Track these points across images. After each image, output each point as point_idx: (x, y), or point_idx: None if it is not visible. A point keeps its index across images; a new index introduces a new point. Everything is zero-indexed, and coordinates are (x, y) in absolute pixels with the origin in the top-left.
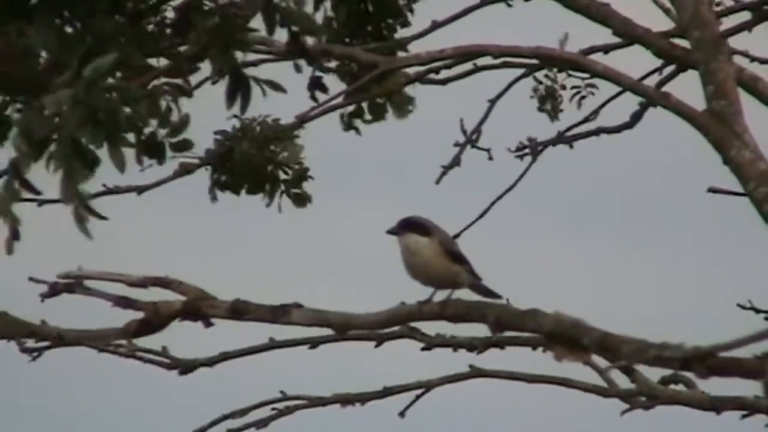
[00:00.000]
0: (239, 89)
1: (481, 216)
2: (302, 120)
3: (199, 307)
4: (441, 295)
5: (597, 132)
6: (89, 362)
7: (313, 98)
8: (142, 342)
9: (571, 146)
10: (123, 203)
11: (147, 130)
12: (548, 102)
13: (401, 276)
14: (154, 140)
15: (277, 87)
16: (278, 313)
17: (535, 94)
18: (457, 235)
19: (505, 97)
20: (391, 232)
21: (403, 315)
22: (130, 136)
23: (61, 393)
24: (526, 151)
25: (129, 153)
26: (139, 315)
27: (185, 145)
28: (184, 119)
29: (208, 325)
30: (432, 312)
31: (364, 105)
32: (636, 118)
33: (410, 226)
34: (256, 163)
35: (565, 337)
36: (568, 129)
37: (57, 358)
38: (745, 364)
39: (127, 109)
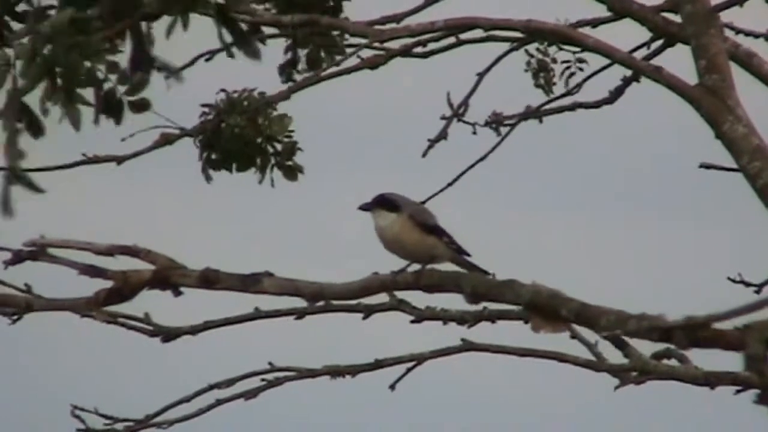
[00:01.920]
0: (143, 62)
1: (450, 184)
2: (291, 90)
3: (168, 276)
4: (416, 266)
5: (573, 107)
6: (67, 328)
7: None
8: (123, 309)
9: (541, 121)
10: (98, 172)
11: (106, 86)
12: (541, 76)
13: (380, 250)
14: (113, 97)
15: (177, 77)
16: (249, 282)
17: (529, 68)
18: (423, 203)
19: (497, 70)
20: (362, 208)
21: (377, 285)
22: (89, 93)
23: (40, 360)
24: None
25: (86, 115)
26: (108, 284)
27: (143, 105)
28: (142, 78)
29: (178, 294)
30: (406, 282)
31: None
32: (617, 93)
33: (380, 202)
34: (246, 137)
35: (544, 308)
36: (544, 104)
37: (36, 324)
38: (727, 336)
39: (87, 64)
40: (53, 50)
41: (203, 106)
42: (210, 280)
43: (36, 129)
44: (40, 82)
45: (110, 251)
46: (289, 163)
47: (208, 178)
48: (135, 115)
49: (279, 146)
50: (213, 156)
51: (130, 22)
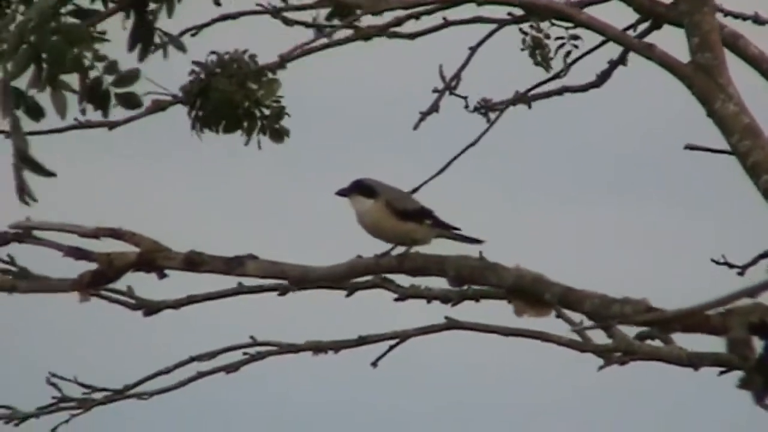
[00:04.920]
0: (141, 36)
1: (441, 171)
2: (285, 59)
3: (153, 259)
4: (401, 248)
5: (561, 91)
6: (48, 299)
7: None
8: None
9: (530, 106)
10: (87, 150)
11: (92, 75)
12: (538, 53)
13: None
14: (99, 87)
15: (180, 46)
16: (233, 265)
17: (524, 46)
18: (415, 190)
19: (492, 47)
20: (340, 193)
21: (361, 268)
22: (75, 80)
23: (18, 331)
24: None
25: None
26: (93, 266)
27: (132, 101)
28: (134, 72)
29: (162, 276)
30: (390, 265)
31: None
32: (604, 77)
33: (357, 188)
34: (234, 101)
35: (527, 292)
36: (532, 88)
37: (15, 298)
38: (710, 320)
39: (74, 51)
40: (39, 36)
41: (194, 63)
42: (194, 262)
43: (35, 112)
44: (27, 69)
45: (96, 234)
46: (276, 126)
47: (200, 133)
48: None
49: (267, 111)
50: (201, 113)
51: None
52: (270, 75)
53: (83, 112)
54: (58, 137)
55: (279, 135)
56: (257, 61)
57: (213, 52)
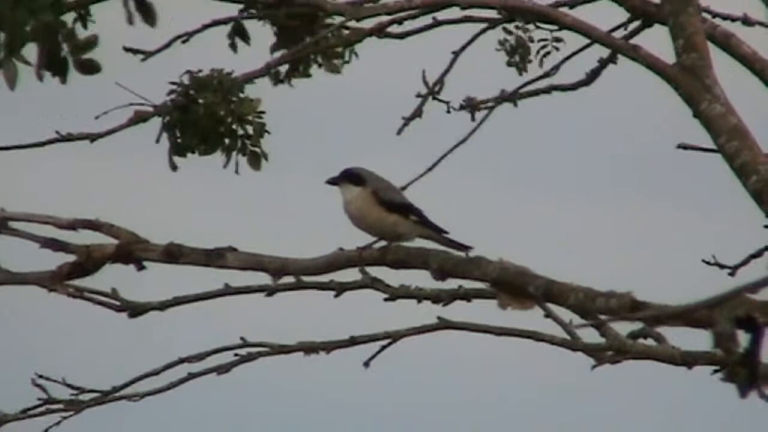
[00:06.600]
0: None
1: (430, 169)
2: (269, 67)
3: (131, 251)
4: (383, 242)
5: (549, 89)
6: (33, 301)
7: (233, 47)
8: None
9: (515, 104)
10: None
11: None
12: (517, 54)
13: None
14: (57, 54)
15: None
16: (212, 257)
17: (502, 47)
18: (404, 188)
19: (473, 50)
20: (329, 182)
21: (343, 261)
22: (33, 50)
23: (4, 334)
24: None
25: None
26: (71, 258)
27: (91, 66)
28: (92, 39)
29: (141, 268)
30: (372, 258)
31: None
32: (593, 75)
33: (346, 176)
34: (218, 115)
35: (511, 284)
36: (520, 87)
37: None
38: (696, 313)
39: (34, 21)
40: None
41: (172, 84)
42: (173, 254)
43: None
44: None
45: (73, 225)
46: (255, 148)
47: (174, 167)
48: (108, 92)
49: (249, 128)
50: (178, 140)
51: None
52: (248, 94)
53: (40, 78)
54: (35, 128)
55: (257, 159)
56: (233, 79)
57: (188, 71)
